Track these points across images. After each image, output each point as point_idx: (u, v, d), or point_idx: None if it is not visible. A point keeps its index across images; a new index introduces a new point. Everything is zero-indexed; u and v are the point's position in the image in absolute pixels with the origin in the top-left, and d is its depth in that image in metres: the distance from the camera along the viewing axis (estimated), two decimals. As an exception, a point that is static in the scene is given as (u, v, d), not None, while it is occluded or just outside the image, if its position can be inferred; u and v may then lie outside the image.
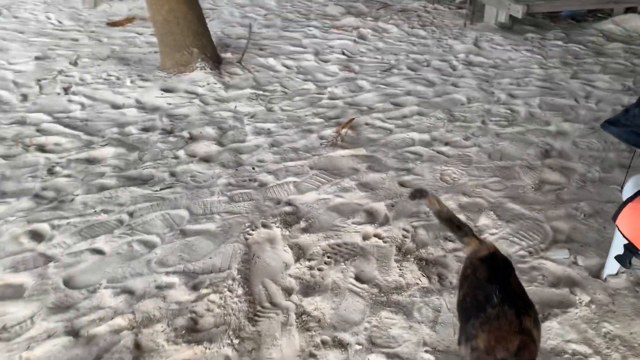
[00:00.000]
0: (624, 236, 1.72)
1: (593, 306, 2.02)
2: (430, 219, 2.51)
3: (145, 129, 3.32)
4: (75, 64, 4.30)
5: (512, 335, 1.41)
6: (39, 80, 3.97)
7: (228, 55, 4.46)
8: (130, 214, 2.54)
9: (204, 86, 3.91)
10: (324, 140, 3.20)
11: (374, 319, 1.99)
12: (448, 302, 2.06)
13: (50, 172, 2.87)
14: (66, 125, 3.34)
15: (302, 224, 2.47)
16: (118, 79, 4.02)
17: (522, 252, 2.30)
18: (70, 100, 3.68)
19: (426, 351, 1.86)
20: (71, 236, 2.39)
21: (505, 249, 2.32)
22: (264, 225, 2.46)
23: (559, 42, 5.10)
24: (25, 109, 3.56)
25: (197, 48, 4.09)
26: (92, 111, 3.55)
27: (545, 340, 1.89)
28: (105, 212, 2.55)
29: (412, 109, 3.62)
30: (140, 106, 3.63)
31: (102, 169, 2.90)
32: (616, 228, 1.84)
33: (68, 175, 2.83)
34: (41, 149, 3.10)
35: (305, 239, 2.39)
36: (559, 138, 3.27)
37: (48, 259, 2.27)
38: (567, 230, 2.44)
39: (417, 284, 2.15)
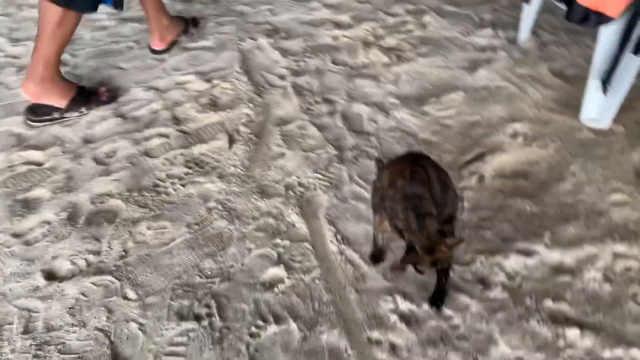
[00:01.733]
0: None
1: (511, 60, 2.72)
2: (386, 23, 3.10)
3: None
4: None
5: (405, 167, 1.57)
6: None
7: None
8: (137, 42, 3.01)
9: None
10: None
11: (350, 84, 2.63)
12: (404, 70, 2.70)
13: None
14: None
15: (282, 34, 3.02)
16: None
17: (456, 34, 2.95)
18: None
19: (392, 98, 2.52)
20: (93, 59, 2.86)
21: (442, 33, 2.96)
22: (251, 38, 2.99)
23: None
24: None
25: None
26: None
27: (477, 82, 2.59)
28: (115, 42, 3.01)
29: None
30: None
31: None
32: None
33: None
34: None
35: (286, 43, 2.95)
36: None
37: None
38: (491, 18, 3.09)
39: (380, 61, 2.78)
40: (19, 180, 2.16)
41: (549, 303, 1.63)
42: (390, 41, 2.93)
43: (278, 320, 1.65)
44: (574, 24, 2.09)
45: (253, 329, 1.63)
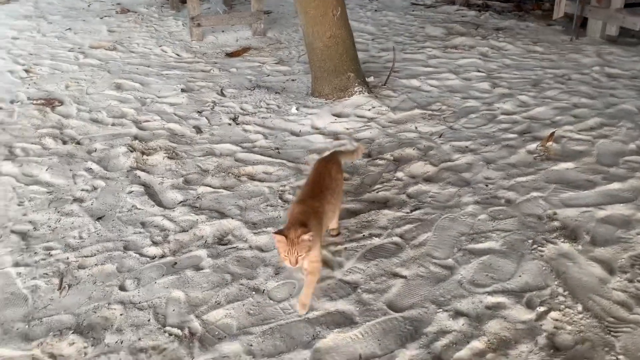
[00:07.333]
0: None
1: None
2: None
3: (345, 153, 3.27)
4: (222, 94, 4.27)
5: None
6: (200, 112, 3.92)
7: (371, 79, 4.44)
8: (401, 236, 2.47)
9: (369, 110, 3.88)
10: (536, 154, 3.16)
11: None
12: None
13: (281, 198, 2.81)
14: (261, 154, 3.28)
15: (585, 238, 2.41)
16: (279, 107, 3.98)
17: None
18: (245, 130, 3.63)
19: None
20: (353, 260, 2.31)
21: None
22: (547, 241, 2.40)
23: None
24: (206, 140, 3.50)
25: (353, 73, 4.07)
26: (277, 139, 3.50)
27: None
28: (375, 235, 2.48)
29: (595, 120, 3.59)
30: (319, 132, 3.58)
31: (333, 194, 2.83)
32: None
33: (304, 202, 2.77)
34: (252, 177, 3.04)
35: (601, 252, 2.32)
36: None
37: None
38: None
39: None
40: None
41: None
42: None
43: None
44: None
45: None
